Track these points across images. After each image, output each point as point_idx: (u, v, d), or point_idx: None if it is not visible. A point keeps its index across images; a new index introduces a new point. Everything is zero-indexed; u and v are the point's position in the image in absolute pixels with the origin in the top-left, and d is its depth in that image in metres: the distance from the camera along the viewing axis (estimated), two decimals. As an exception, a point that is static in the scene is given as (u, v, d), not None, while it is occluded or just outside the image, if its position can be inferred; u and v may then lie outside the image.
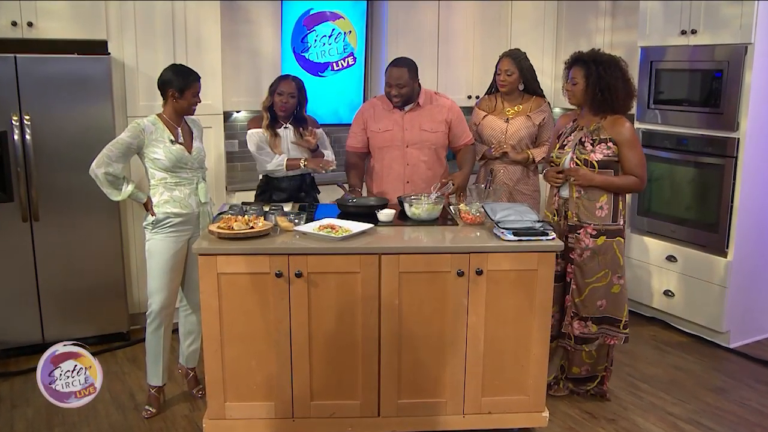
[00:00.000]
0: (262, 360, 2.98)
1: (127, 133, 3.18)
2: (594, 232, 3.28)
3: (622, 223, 3.32)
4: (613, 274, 3.31)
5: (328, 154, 3.88)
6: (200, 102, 3.32)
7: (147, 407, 3.39)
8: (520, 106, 3.93)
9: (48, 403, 3.40)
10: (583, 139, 3.29)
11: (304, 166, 3.71)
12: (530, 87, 3.94)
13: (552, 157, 3.43)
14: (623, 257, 3.33)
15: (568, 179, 3.31)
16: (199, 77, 3.27)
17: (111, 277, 4.13)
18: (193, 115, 3.35)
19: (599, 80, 3.19)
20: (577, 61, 3.29)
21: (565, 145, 3.37)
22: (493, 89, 4.04)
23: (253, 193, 4.53)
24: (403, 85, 3.65)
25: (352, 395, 3.05)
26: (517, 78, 3.87)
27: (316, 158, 3.76)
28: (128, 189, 3.21)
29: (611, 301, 3.34)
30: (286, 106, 3.72)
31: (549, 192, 3.53)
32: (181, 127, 3.30)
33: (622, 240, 3.32)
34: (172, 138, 3.23)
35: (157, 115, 3.27)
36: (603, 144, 3.23)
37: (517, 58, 3.87)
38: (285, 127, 3.78)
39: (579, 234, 3.30)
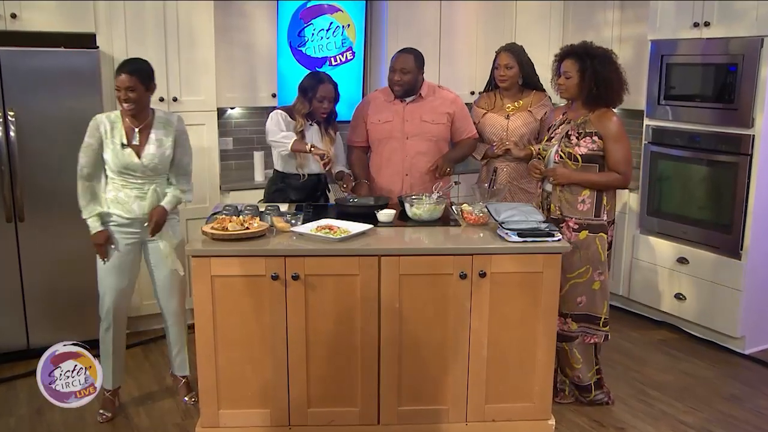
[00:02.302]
0: (258, 366, 3.01)
1: (88, 133, 3.21)
2: (576, 226, 3.35)
3: (605, 218, 3.37)
4: (593, 270, 3.37)
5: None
6: (125, 97, 3.15)
7: (101, 411, 3.40)
8: (521, 102, 3.96)
9: (32, 412, 3.46)
10: (569, 132, 3.36)
11: (311, 151, 3.58)
12: (530, 81, 3.97)
13: (539, 149, 3.49)
14: (605, 254, 3.40)
15: (547, 177, 3.40)
16: (125, 70, 3.15)
17: (99, 280, 4.14)
18: (129, 111, 3.19)
19: (595, 74, 3.26)
20: (569, 54, 3.35)
21: (552, 138, 3.44)
22: (490, 86, 4.07)
23: (250, 192, 4.55)
24: (408, 71, 3.71)
25: (350, 402, 3.08)
26: (517, 72, 3.90)
27: (320, 150, 3.66)
28: (92, 212, 3.21)
29: (591, 298, 3.40)
30: (327, 111, 3.74)
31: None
32: (141, 128, 3.24)
33: (605, 236, 3.38)
34: (124, 141, 3.20)
35: (121, 111, 3.25)
36: (588, 138, 3.30)
37: (515, 52, 3.89)
38: (310, 124, 3.77)
39: (561, 228, 3.36)
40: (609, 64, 3.29)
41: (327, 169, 3.64)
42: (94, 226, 3.23)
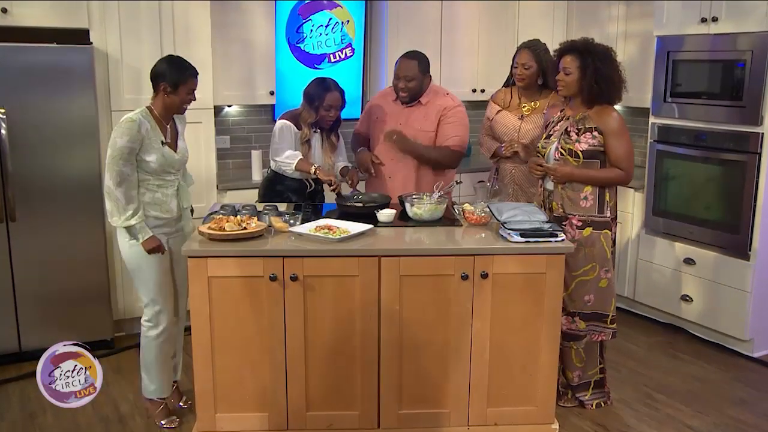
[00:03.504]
0: (256, 368, 3.02)
1: (125, 137, 3.05)
2: (579, 224, 3.37)
3: (609, 215, 3.41)
4: (600, 268, 3.40)
5: (340, 160, 3.98)
6: (194, 100, 3.27)
7: (171, 418, 3.40)
8: (537, 103, 3.90)
9: (23, 417, 3.47)
10: (568, 129, 3.38)
11: (314, 173, 3.67)
12: (550, 82, 3.93)
13: (538, 147, 3.51)
14: (610, 250, 3.42)
15: (548, 175, 3.42)
16: (197, 73, 3.23)
17: (94, 281, 4.15)
18: (183, 113, 3.30)
19: (596, 72, 3.27)
20: (570, 50, 3.36)
21: (551, 135, 3.46)
22: (511, 82, 4.02)
23: (247, 192, 4.56)
24: (412, 78, 3.72)
25: (350, 406, 3.09)
26: (535, 72, 3.83)
27: (327, 171, 3.75)
28: (141, 217, 3.12)
29: (599, 296, 3.43)
30: (333, 119, 3.77)
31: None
32: (169, 124, 3.27)
33: (609, 233, 3.41)
34: (163, 139, 3.18)
35: (147, 108, 3.21)
36: (588, 133, 3.32)
37: (536, 51, 3.81)
38: (315, 131, 3.81)
39: (565, 226, 3.38)
40: (610, 61, 3.31)
41: (336, 192, 3.69)
42: (148, 231, 3.14)
